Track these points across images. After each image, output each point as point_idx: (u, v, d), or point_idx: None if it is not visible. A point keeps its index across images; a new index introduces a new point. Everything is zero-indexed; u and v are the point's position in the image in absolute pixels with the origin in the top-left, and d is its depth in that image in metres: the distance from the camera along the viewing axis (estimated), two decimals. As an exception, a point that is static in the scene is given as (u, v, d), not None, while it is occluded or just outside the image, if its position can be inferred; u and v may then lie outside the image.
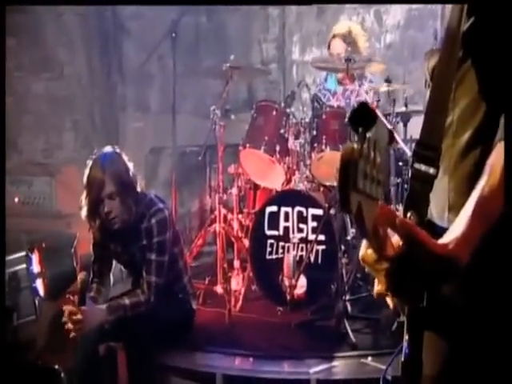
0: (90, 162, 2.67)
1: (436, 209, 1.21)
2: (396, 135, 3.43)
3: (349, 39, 3.81)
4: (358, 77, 3.98)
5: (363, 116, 0.91)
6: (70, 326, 2.50)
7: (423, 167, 1.11)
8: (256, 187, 3.82)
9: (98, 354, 2.70)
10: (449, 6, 1.23)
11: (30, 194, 3.79)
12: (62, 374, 2.87)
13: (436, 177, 1.12)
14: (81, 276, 2.64)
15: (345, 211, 0.88)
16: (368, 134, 0.90)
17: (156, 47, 4.35)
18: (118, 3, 4.22)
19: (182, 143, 4.29)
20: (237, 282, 3.38)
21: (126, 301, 2.63)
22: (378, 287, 1.13)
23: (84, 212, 2.65)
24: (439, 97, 1.16)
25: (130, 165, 2.74)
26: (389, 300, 1.15)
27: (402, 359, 1.13)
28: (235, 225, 3.65)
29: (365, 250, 1.09)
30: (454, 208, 1.18)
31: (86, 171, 2.64)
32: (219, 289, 3.35)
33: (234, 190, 3.73)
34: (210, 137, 3.67)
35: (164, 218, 2.69)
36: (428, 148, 1.12)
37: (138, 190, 2.74)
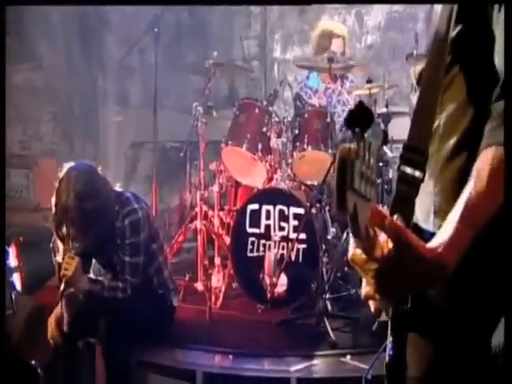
0: (60, 175, 2.60)
1: (421, 212, 1.22)
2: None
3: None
4: (339, 76, 4.02)
5: (361, 116, 0.92)
6: (63, 264, 2.51)
7: (410, 170, 1.12)
8: (237, 185, 3.81)
9: (77, 350, 2.69)
10: (437, 11, 1.25)
11: (7, 187, 3.72)
12: (39, 370, 2.85)
13: (422, 180, 1.13)
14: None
15: (341, 211, 0.89)
16: (365, 135, 0.91)
17: (138, 41, 4.32)
18: (114, 3, 4.18)
19: (163, 139, 4.27)
20: (217, 279, 3.37)
21: (105, 282, 2.65)
22: (366, 289, 1.15)
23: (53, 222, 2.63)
24: (427, 101, 1.17)
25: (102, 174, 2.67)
26: (371, 302, 1.17)
27: (387, 360, 1.15)
28: (216, 222, 3.64)
29: (353, 250, 1.11)
30: (440, 212, 1.20)
31: (56, 184, 2.59)
32: (200, 286, 3.34)
33: (215, 187, 3.72)
34: (192, 133, 3.66)
35: (137, 219, 2.65)
36: (415, 151, 1.14)
37: (117, 189, 2.73)
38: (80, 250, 2.59)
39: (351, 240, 1.09)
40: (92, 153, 4.67)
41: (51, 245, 2.86)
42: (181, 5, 4.26)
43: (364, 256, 1.06)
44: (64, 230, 2.56)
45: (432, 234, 1.12)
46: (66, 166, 2.64)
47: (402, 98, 4.49)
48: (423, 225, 1.22)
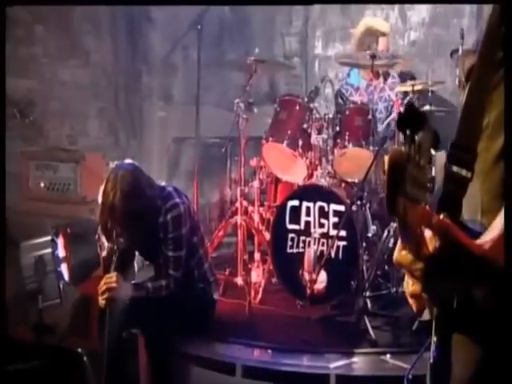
0: (106, 170, 2.68)
1: (468, 211, 1.20)
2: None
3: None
4: (382, 73, 3.97)
5: (412, 118, 0.91)
6: (103, 290, 2.55)
7: (458, 169, 1.11)
8: (277, 181, 3.81)
9: (122, 340, 2.74)
10: (488, 8, 1.23)
11: (55, 180, 3.82)
12: (85, 358, 2.93)
13: (471, 180, 1.11)
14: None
15: (391, 214, 0.89)
16: (416, 137, 0.90)
17: (181, 38, 4.37)
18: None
19: (205, 134, 4.30)
20: (257, 275, 3.39)
21: (149, 284, 2.69)
22: (412, 287, 1.14)
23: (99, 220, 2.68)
24: (476, 98, 1.15)
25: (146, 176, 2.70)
26: (414, 302, 1.15)
27: (431, 360, 1.14)
28: (256, 217, 3.65)
29: (399, 251, 1.10)
30: (488, 212, 1.17)
31: (102, 187, 2.64)
32: (239, 280, 3.36)
33: (256, 183, 3.73)
34: (233, 129, 3.68)
35: (179, 213, 2.68)
36: (463, 150, 1.12)
37: (161, 184, 2.77)
38: (124, 246, 2.64)
39: (398, 241, 1.08)
40: (136, 147, 4.74)
41: (96, 236, 2.92)
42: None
43: (410, 256, 1.05)
44: (109, 227, 2.61)
45: (479, 234, 1.10)
46: (112, 165, 2.70)
47: (447, 96, 4.40)
48: (470, 224, 1.20)
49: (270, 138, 3.56)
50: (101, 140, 4.55)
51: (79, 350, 2.91)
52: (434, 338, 1.14)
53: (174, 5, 4.28)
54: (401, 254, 1.09)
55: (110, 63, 4.71)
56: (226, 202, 4.29)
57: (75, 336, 3.09)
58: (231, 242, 3.80)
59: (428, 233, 1.05)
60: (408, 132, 0.90)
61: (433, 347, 1.14)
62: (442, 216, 1.09)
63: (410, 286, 1.14)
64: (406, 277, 1.15)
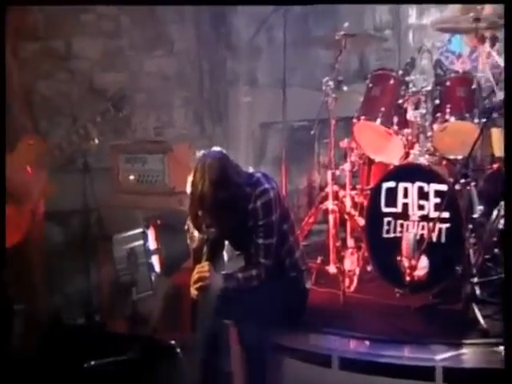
0: (195, 166, 2.67)
1: None
2: None
3: None
4: (488, 37, 3.71)
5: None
6: (196, 279, 2.59)
7: None
8: (370, 162, 3.73)
9: (214, 331, 2.75)
10: None
11: (144, 172, 3.92)
12: (178, 349, 3.00)
13: None
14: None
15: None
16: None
17: (265, 19, 4.35)
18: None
19: (292, 118, 4.26)
20: (351, 262, 3.34)
21: (240, 274, 2.71)
22: None
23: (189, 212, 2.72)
24: None
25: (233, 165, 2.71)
26: None
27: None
28: (348, 202, 3.58)
29: None
30: None
31: (190, 177, 2.67)
32: (332, 268, 3.33)
33: (347, 166, 3.66)
34: (322, 110, 3.63)
35: (269, 199, 2.69)
36: None
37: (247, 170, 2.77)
38: (214, 236, 2.67)
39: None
40: (222, 135, 4.78)
41: (186, 227, 2.97)
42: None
43: None
44: (199, 217, 2.65)
45: None
46: (199, 154, 2.73)
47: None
48: None
49: (362, 117, 3.49)
50: (187, 130, 4.63)
51: (172, 341, 2.98)
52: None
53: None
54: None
55: (194, 51, 4.78)
56: (315, 188, 4.29)
57: (168, 328, 3.17)
58: (321, 229, 3.77)
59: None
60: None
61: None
62: None
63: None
64: None
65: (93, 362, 2.96)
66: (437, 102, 3.31)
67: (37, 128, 2.71)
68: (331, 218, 3.43)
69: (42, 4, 2.53)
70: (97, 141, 2.81)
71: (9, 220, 2.50)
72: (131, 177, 3.94)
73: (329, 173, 3.57)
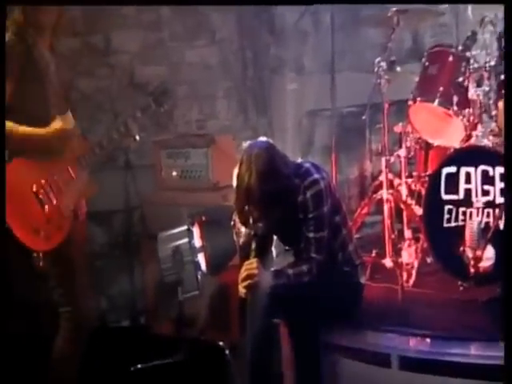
0: (240, 158, 2.68)
1: None
2: None
3: None
4: None
5: None
6: (244, 277, 2.59)
7: None
8: (428, 147, 3.69)
9: (264, 331, 2.75)
10: None
11: (186, 167, 3.96)
12: (227, 351, 3.00)
13: None
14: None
15: None
16: None
17: (310, 3, 4.33)
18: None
19: (341, 104, 4.23)
20: (409, 255, 3.31)
21: (290, 271, 2.69)
22: None
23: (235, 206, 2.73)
24: None
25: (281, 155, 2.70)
26: None
27: None
28: (404, 190, 3.55)
29: None
30: None
31: (235, 170, 2.68)
32: (388, 262, 3.30)
33: (402, 152, 3.63)
34: (374, 93, 3.61)
35: (319, 190, 2.67)
36: None
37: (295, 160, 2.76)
38: (262, 231, 2.67)
39: None
40: (266, 125, 4.79)
41: (232, 223, 2.98)
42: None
43: None
44: (246, 211, 2.65)
45: None
46: (244, 145, 2.73)
47: None
48: None
49: (419, 98, 3.47)
50: (230, 121, 4.64)
51: (220, 343, 2.99)
52: None
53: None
54: None
55: (237, 39, 4.80)
56: (367, 177, 4.27)
57: (215, 329, 3.19)
58: (374, 221, 3.78)
59: None
60: None
61: None
62: None
63: None
64: None
65: (139, 366, 3.00)
66: (502, 77, 3.23)
67: (77, 126, 2.75)
68: (386, 207, 3.40)
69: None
70: (138, 137, 2.85)
71: (50, 222, 2.58)
72: (174, 173, 4.00)
73: (383, 160, 3.54)
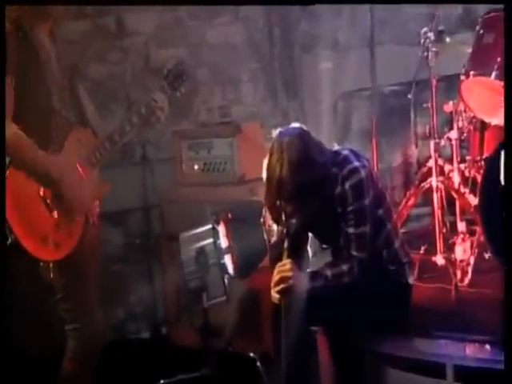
0: (270, 147, 2.68)
1: None
2: None
3: None
4: None
5: None
6: (277, 280, 2.59)
7: None
8: (483, 127, 3.65)
9: (301, 341, 2.72)
10: None
11: (210, 159, 3.98)
12: (258, 363, 3.01)
13: None
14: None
15: None
16: None
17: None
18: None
19: (382, 82, 4.24)
20: (463, 250, 3.29)
21: (328, 271, 2.70)
22: None
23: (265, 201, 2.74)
24: None
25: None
26: None
27: None
28: (456, 177, 3.54)
29: None
30: None
31: (265, 161, 2.68)
32: (440, 259, 3.32)
33: (453, 134, 3.61)
34: (420, 68, 3.61)
35: (360, 180, 2.66)
36: None
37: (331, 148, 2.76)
38: (296, 228, 2.69)
39: None
40: (298, 109, 4.80)
41: (262, 220, 2.98)
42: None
43: None
44: (278, 206, 2.65)
45: None
46: (274, 133, 2.75)
47: None
48: None
49: (472, 72, 3.49)
50: (257, 107, 4.67)
51: (251, 354, 2.99)
52: None
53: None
54: None
55: (262, 15, 4.81)
56: (412, 164, 4.26)
57: (245, 338, 3.19)
58: (422, 213, 3.77)
59: None
60: None
61: None
62: None
63: None
64: None
65: (162, 382, 3.03)
66: None
67: (84, 119, 2.76)
68: (436, 197, 3.39)
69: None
70: (166, 110, 2.83)
71: (59, 228, 2.59)
72: (196, 166, 4.02)
73: (431, 143, 3.53)
